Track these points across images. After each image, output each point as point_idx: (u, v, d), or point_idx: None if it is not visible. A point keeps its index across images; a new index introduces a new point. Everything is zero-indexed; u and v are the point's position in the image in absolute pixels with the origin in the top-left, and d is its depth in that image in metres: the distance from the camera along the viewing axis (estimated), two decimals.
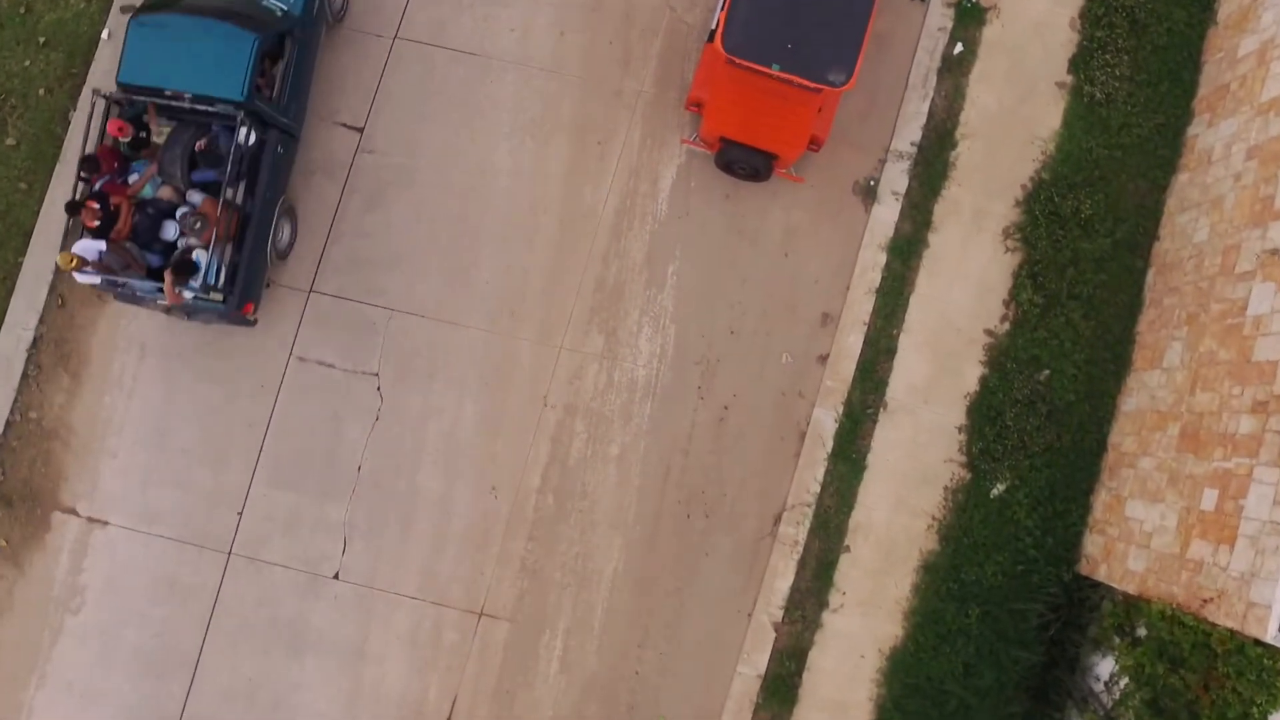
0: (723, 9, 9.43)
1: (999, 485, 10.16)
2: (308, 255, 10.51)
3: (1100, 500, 9.97)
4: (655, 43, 10.87)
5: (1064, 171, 10.64)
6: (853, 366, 10.38)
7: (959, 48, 10.85)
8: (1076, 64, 10.81)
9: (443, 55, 10.86)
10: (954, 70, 10.89)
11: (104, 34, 10.70)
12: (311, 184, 10.63)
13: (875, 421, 10.35)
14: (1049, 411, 10.26)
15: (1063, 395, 10.32)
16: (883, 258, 10.53)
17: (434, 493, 10.21)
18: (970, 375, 10.39)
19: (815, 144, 10.10)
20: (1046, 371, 10.30)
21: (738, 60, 8.98)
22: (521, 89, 10.82)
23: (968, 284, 10.57)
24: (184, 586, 10.13)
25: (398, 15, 10.93)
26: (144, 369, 10.40)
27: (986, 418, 10.27)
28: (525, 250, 10.62)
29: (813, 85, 8.99)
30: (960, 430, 10.34)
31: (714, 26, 10.25)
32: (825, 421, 10.32)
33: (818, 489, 10.22)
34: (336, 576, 10.09)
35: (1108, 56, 10.68)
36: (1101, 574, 9.49)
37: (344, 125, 10.76)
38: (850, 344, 10.42)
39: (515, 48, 10.88)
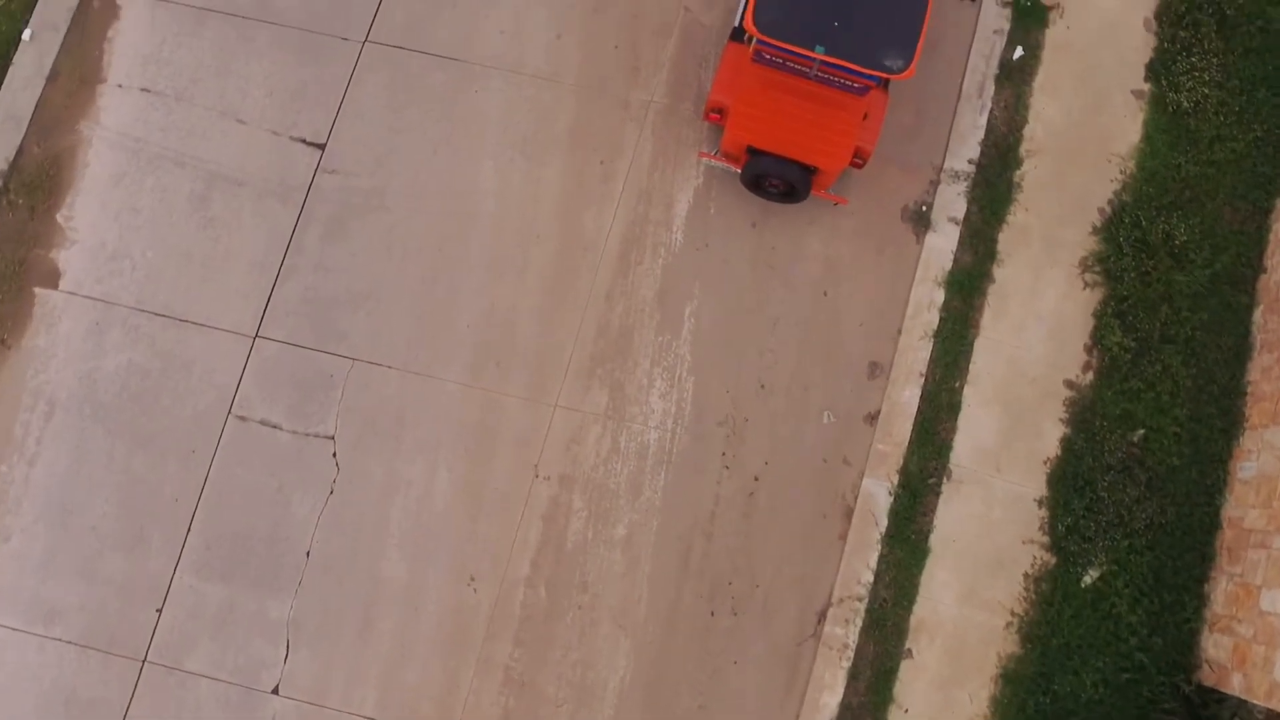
0: None
1: (1092, 572, 7.59)
2: (252, 293, 7.88)
3: (1221, 590, 7.38)
4: (668, 46, 8.50)
5: (1149, 192, 8.23)
6: (909, 427, 7.89)
7: (1019, 52, 8.57)
8: (1155, 69, 8.50)
9: (419, 60, 8.52)
10: (1014, 78, 8.57)
11: (25, 35, 8.16)
12: (261, 209, 8.02)
13: (938, 494, 7.81)
14: (1149, 479, 7.70)
15: (1164, 459, 7.78)
16: (940, 295, 8.06)
17: (399, 584, 7.65)
18: (1050, 436, 7.85)
19: (860, 158, 7.72)
20: (1142, 431, 7.77)
21: (772, 42, 6.54)
22: (511, 99, 8.47)
23: (1042, 326, 8.09)
24: (84, 703, 7.57)
25: (369, 15, 8.45)
26: (51, 430, 7.81)
27: (1073, 488, 7.72)
28: (514, 288, 8.42)
29: (865, 72, 6.53)
30: (1041, 504, 7.78)
31: (737, 23, 7.83)
32: (877, 494, 7.74)
33: (870, 578, 7.65)
34: (276, 690, 7.46)
35: (1193, 59, 8.37)
36: (1235, 686, 6.89)
37: (302, 141, 8.27)
38: (905, 399, 7.91)
39: (504, 52, 8.57)
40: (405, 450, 8.12)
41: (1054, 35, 8.97)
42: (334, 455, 8.12)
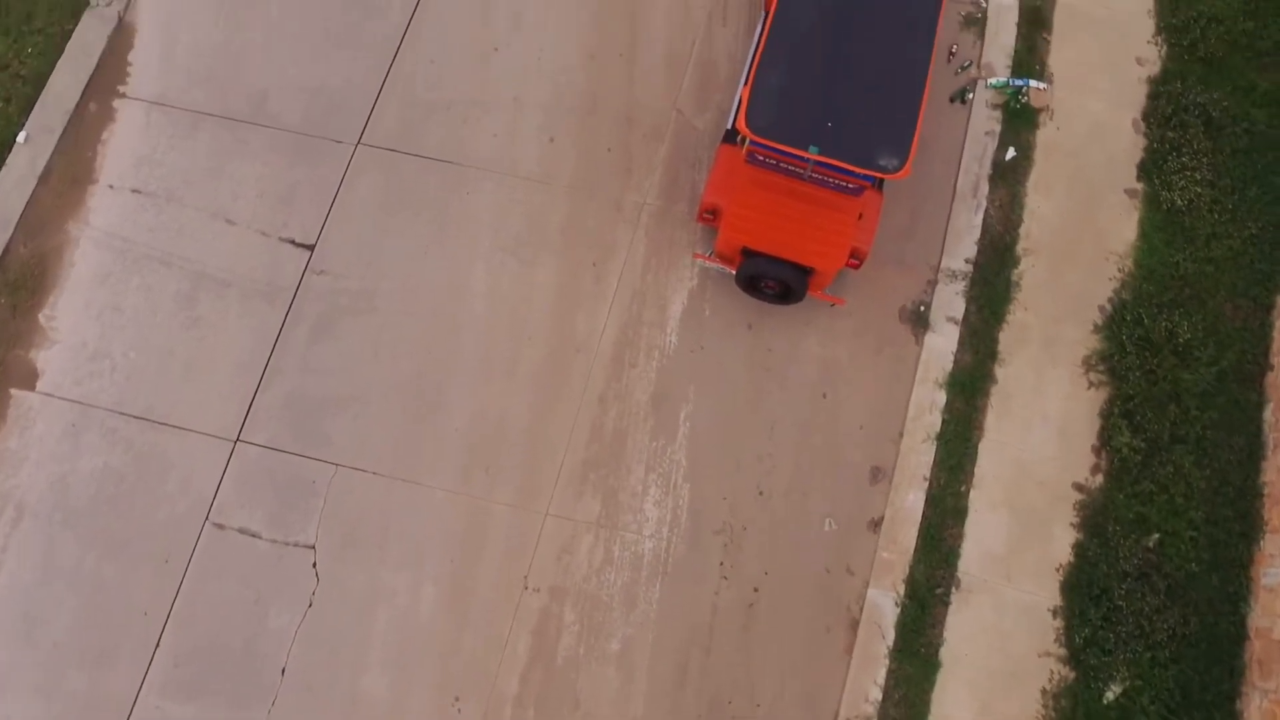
0: (745, 84, 6.91)
1: (1114, 687, 7.12)
2: (235, 395, 7.56)
3: (1254, 707, 6.92)
4: (660, 149, 8.44)
5: (1148, 290, 8.04)
6: (914, 533, 7.51)
7: (1011, 153, 8.50)
8: (1147, 168, 8.50)
9: (412, 163, 8.43)
10: (1007, 178, 8.47)
11: (20, 137, 8.05)
12: (248, 310, 7.76)
13: (947, 604, 7.38)
14: (1168, 587, 7.29)
15: (1182, 565, 7.39)
16: (942, 396, 7.76)
17: (380, 701, 7.22)
18: (1062, 541, 7.49)
19: (856, 258, 7.52)
20: (1157, 535, 7.40)
21: (765, 142, 6.36)
22: (503, 201, 8.37)
23: (1048, 426, 7.79)
24: None
25: (362, 118, 8.36)
26: (18, 536, 7.43)
27: (1089, 597, 7.30)
28: (504, 391, 8.18)
29: (860, 172, 6.36)
30: (1056, 614, 7.37)
31: (730, 124, 7.74)
32: (884, 605, 7.30)
33: (879, 696, 7.16)
34: None
35: (1183, 159, 8.35)
36: None
37: (291, 242, 8.10)
38: (909, 504, 7.52)
39: (497, 155, 8.50)
40: (389, 560, 7.67)
41: (1045, 136, 8.95)
42: (314, 565, 7.67)
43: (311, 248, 8.52)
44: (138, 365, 8.12)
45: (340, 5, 9.13)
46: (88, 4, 8.80)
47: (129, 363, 8.10)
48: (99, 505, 7.80)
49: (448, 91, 8.88)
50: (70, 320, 8.21)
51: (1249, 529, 7.81)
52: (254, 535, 7.77)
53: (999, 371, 8.26)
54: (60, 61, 8.59)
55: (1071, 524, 7.86)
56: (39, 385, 8.02)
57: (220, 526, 7.78)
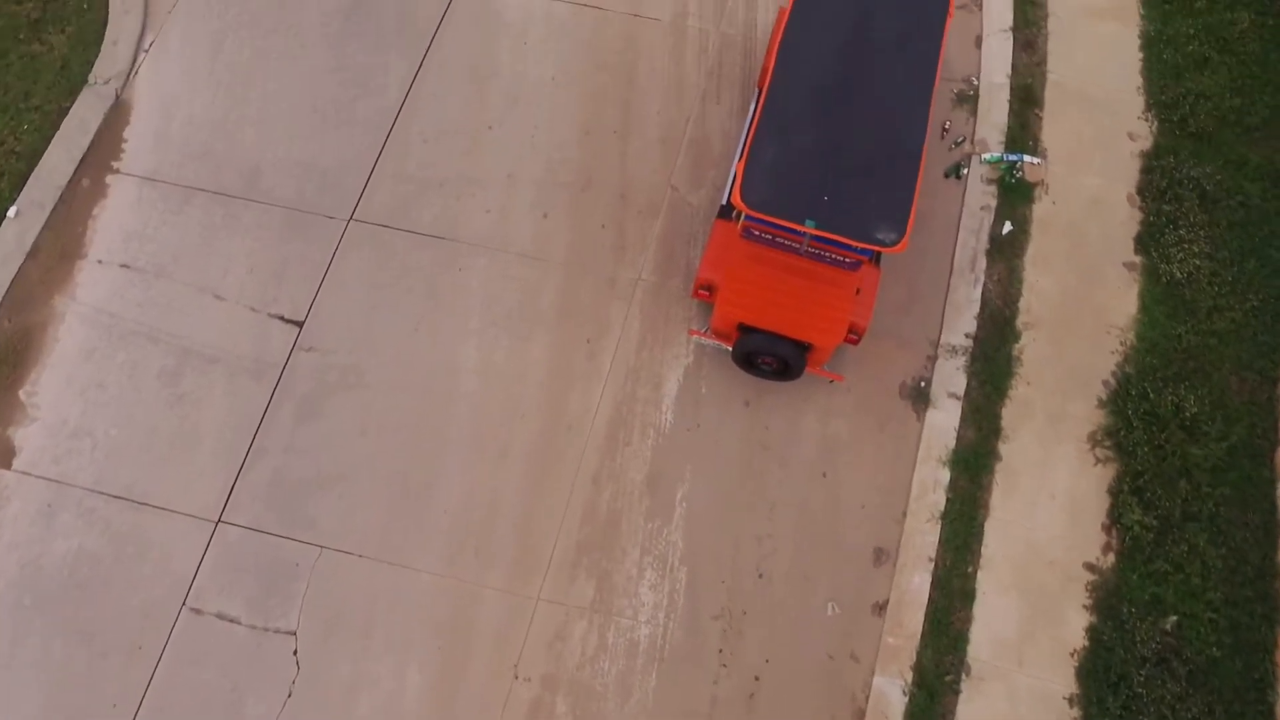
0: (740, 159, 6.85)
1: None
2: (218, 474, 7.28)
3: None
4: (655, 225, 8.34)
5: (1152, 363, 7.85)
6: (920, 617, 7.19)
7: (1008, 227, 8.42)
8: (1144, 241, 8.45)
9: (404, 239, 8.29)
10: (1005, 252, 8.39)
11: (11, 212, 7.93)
12: (234, 387, 7.53)
13: (957, 692, 6.99)
14: (1189, 673, 6.95)
15: (1203, 649, 7.06)
16: (945, 474, 7.49)
17: None
18: (1075, 625, 7.17)
19: (854, 333, 7.32)
20: (1174, 618, 7.08)
21: (761, 217, 6.22)
22: (496, 278, 8.28)
23: (1055, 504, 7.55)
24: None
25: (355, 195, 8.28)
26: None
27: (1107, 684, 6.94)
28: (495, 471, 7.93)
29: (858, 246, 6.23)
30: (1072, 702, 7.03)
31: (725, 200, 7.67)
32: (890, 694, 6.92)
33: None
34: None
35: (1180, 232, 8.29)
36: None
37: (280, 318, 7.87)
38: (914, 587, 7.21)
39: (490, 231, 8.42)
40: (373, 647, 7.29)
41: (1041, 211, 8.88)
42: (295, 653, 7.28)
43: (301, 324, 8.32)
44: (119, 443, 7.84)
45: (335, 83, 9.13)
46: (86, 82, 8.77)
47: (110, 440, 7.83)
48: (71, 589, 7.44)
49: (441, 169, 8.83)
50: (52, 396, 7.97)
51: (1270, 610, 7.47)
52: (233, 621, 7.39)
53: (1003, 448, 8.01)
54: (55, 138, 8.54)
55: (1084, 606, 7.53)
56: (15, 463, 7.73)
57: (198, 612, 7.41)
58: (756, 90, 8.79)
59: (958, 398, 8.20)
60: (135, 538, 7.61)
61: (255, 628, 7.38)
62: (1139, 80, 9.28)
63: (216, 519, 7.67)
